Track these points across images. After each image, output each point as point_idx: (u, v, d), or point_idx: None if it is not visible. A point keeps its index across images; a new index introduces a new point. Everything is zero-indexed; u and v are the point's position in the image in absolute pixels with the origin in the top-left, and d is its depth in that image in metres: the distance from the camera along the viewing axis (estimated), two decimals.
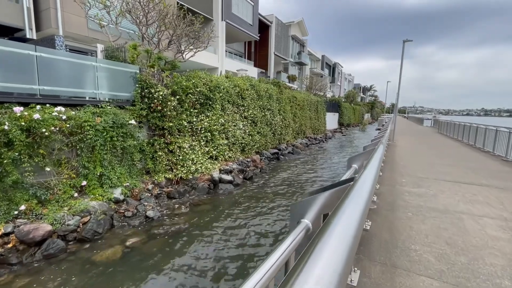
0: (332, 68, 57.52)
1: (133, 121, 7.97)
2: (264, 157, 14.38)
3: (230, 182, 9.79)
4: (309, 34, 42.86)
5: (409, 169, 8.03)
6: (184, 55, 12.06)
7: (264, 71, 32.54)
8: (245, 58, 30.06)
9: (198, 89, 10.19)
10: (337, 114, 39.32)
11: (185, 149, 9.28)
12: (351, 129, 41.07)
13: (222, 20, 21.47)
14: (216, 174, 9.70)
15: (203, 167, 9.81)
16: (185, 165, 9.17)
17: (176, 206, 7.88)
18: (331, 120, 35.99)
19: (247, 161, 12.79)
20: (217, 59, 21.18)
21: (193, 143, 9.87)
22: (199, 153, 9.94)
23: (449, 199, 5.59)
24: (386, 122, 26.60)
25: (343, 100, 47.66)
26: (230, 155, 12.08)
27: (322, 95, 35.10)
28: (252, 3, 25.49)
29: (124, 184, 7.58)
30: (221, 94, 11.47)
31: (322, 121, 28.28)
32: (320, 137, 25.28)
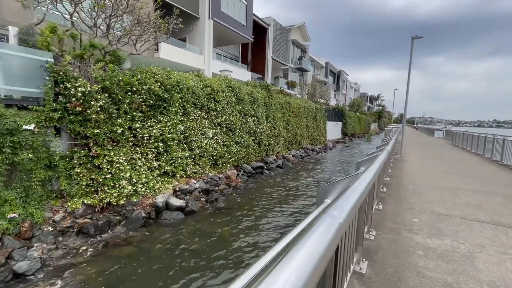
0: (337, 76, 55.24)
1: (31, 126, 5.72)
2: (242, 173, 11.98)
3: (180, 209, 7.40)
4: (311, 39, 40.77)
5: (422, 199, 5.54)
6: (137, 47, 9.91)
7: (261, 76, 30.44)
8: (240, 62, 28.04)
9: (145, 87, 7.95)
10: (340, 123, 36.75)
11: (118, 164, 6.97)
12: (356, 139, 38.36)
13: (209, 18, 19.49)
14: (160, 199, 7.32)
15: (146, 188, 7.47)
16: (116, 185, 6.83)
17: (83, 248, 5.51)
18: (334, 130, 33.45)
19: (218, 178, 10.41)
20: (203, 60, 19.11)
21: (135, 156, 7.56)
22: (142, 169, 7.61)
23: (499, 267, 3.12)
24: (393, 132, 24.13)
25: (348, 108, 45.09)
26: (195, 170, 9.73)
27: (323, 103, 32.68)
28: (246, 2, 23.55)
29: (9, 216, 5.27)
30: (181, 95, 9.20)
31: (321, 130, 25.79)
32: (319, 148, 22.78)
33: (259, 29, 29.23)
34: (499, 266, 3.16)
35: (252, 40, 25.36)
